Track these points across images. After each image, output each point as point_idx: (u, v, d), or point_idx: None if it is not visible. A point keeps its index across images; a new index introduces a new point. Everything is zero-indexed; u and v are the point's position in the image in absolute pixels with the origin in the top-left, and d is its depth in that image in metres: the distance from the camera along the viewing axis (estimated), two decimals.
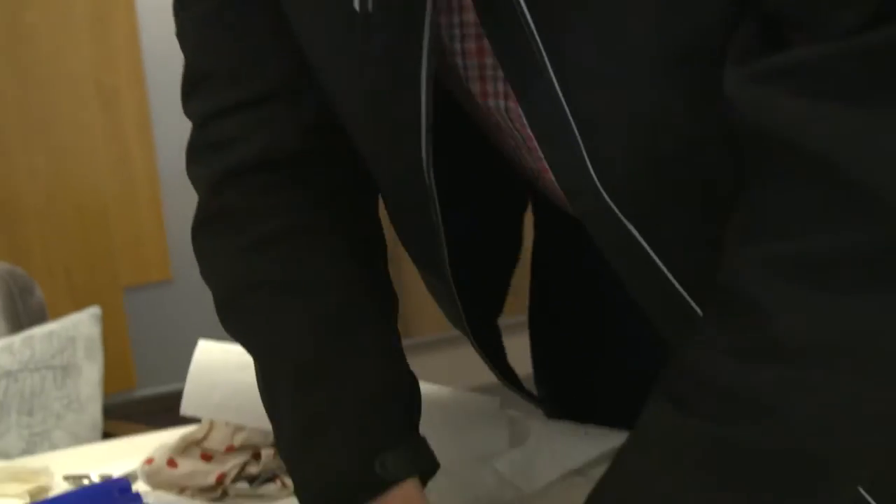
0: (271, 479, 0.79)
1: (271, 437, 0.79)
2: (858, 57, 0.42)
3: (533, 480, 0.76)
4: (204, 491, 0.78)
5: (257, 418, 0.77)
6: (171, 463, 0.78)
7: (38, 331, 1.50)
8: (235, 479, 0.78)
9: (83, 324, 1.51)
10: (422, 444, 0.61)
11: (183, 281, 2.55)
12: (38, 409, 1.42)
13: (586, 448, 0.79)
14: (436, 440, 0.80)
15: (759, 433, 0.46)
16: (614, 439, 0.80)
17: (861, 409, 0.46)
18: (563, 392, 0.87)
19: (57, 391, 1.45)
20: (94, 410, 1.50)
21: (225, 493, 0.78)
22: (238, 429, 0.79)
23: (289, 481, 0.78)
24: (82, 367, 1.48)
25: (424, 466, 0.60)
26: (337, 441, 0.57)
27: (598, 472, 0.76)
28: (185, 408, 0.79)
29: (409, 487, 0.58)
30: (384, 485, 0.57)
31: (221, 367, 0.79)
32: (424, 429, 0.80)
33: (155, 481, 0.78)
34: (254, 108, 0.61)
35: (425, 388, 0.83)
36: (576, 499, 0.79)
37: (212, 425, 0.80)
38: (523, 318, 0.86)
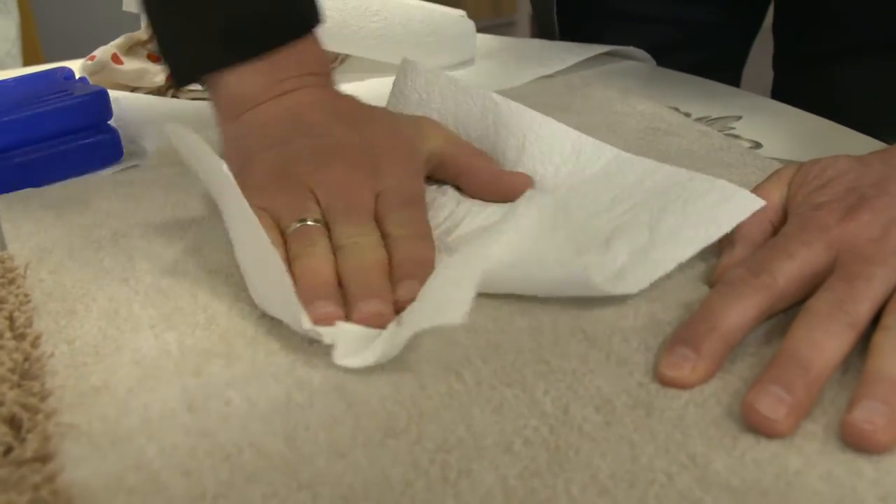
0: None
1: None
2: None
3: (506, 83, 0.73)
4: (153, 92, 0.73)
5: None
6: (116, 59, 0.73)
7: None
8: None
9: None
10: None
11: None
12: None
13: (563, 56, 0.77)
14: (399, 48, 0.75)
15: None
16: (591, 50, 0.78)
17: None
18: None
19: None
20: (14, 68, 1.40)
21: (176, 95, 0.74)
22: None
23: None
24: None
25: (322, 15, 0.56)
26: None
27: (572, 77, 0.75)
28: (127, 3, 0.72)
29: (314, 38, 0.55)
30: (302, 26, 0.54)
31: None
32: (388, 38, 0.76)
33: (98, 79, 0.72)
34: None
35: None
36: (552, 92, 0.77)
37: None
38: None
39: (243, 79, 0.52)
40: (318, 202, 0.46)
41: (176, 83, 0.56)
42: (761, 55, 0.90)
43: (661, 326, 0.38)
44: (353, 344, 0.37)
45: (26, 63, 1.51)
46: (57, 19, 2.31)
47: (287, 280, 0.38)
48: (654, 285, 0.41)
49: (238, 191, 0.41)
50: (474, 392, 0.35)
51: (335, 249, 0.43)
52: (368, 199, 0.46)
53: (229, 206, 0.43)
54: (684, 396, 0.34)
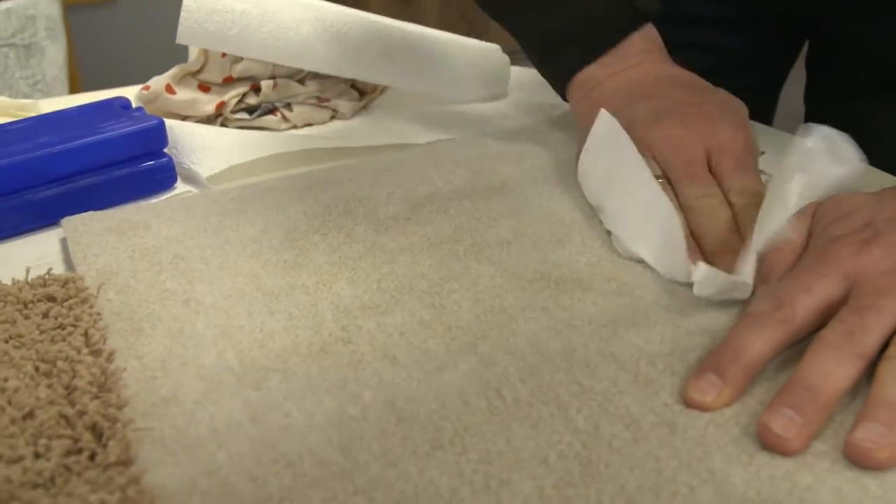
0: (271, 111, 0.78)
1: (270, 69, 0.78)
2: None
3: (538, 116, 0.76)
4: (203, 121, 0.77)
5: (255, 49, 0.76)
6: (169, 89, 0.77)
7: None
8: (235, 111, 0.77)
9: (42, 2, 1.43)
10: None
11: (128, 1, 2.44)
12: (4, 88, 1.38)
13: None
14: (437, 80, 0.79)
15: None
16: None
17: None
18: None
19: (21, 70, 1.40)
20: (61, 93, 1.46)
21: (224, 124, 0.77)
22: (235, 60, 0.78)
23: (289, 114, 0.78)
24: (45, 48, 1.42)
25: (658, 9, 0.64)
26: None
27: None
28: (181, 37, 0.76)
29: (650, 28, 0.63)
30: (638, 19, 0.61)
31: None
32: (426, 71, 0.79)
33: (152, 108, 0.76)
34: None
35: (426, 31, 0.81)
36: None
37: (207, 57, 0.78)
38: None
39: (589, 69, 0.62)
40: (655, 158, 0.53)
41: (554, 88, 0.66)
42: (797, 85, 0.92)
43: (686, 352, 0.41)
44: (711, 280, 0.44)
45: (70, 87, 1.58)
46: (95, 47, 2.37)
47: (681, 234, 0.46)
48: (680, 313, 0.44)
49: (641, 162, 0.51)
50: (513, 409, 0.38)
51: (683, 207, 0.50)
52: (700, 155, 0.52)
53: (629, 171, 0.52)
54: (706, 417, 0.37)
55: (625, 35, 0.61)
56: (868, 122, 0.78)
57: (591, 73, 0.62)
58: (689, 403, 0.38)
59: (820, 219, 0.46)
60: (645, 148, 0.54)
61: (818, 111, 0.86)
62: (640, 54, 0.62)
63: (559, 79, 0.64)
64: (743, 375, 0.38)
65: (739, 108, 0.57)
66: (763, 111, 0.91)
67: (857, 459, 0.34)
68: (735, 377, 0.38)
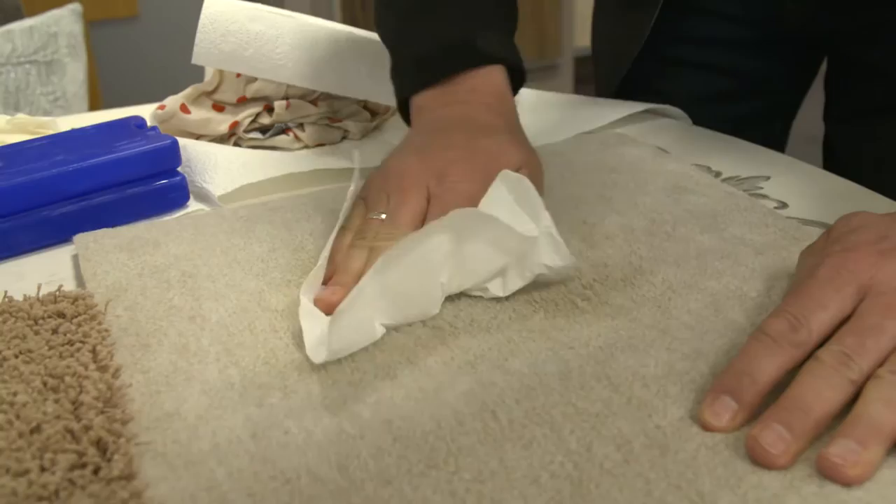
0: (284, 131, 0.79)
1: (283, 90, 0.79)
2: None
3: (546, 139, 0.77)
4: (216, 140, 0.78)
5: (269, 69, 0.77)
6: (184, 108, 0.78)
7: (17, 26, 1.45)
8: (248, 130, 0.79)
9: (64, 19, 1.46)
10: (514, 45, 0.67)
11: (149, 17, 2.47)
12: (25, 105, 1.40)
13: (602, 114, 0.80)
14: None
15: None
16: (630, 108, 0.81)
17: None
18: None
19: (42, 87, 1.43)
20: (81, 109, 1.48)
21: (238, 143, 0.79)
22: (249, 80, 0.79)
23: (301, 133, 0.79)
24: (66, 65, 1.45)
25: (515, 57, 0.65)
26: (444, 18, 0.66)
27: (608, 135, 0.78)
28: (196, 57, 0.77)
29: (497, 70, 0.65)
30: (479, 58, 0.64)
31: (232, 17, 0.77)
32: None
33: (167, 127, 0.78)
34: None
35: None
36: (587, 149, 0.80)
37: (222, 77, 0.79)
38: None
39: (423, 95, 0.65)
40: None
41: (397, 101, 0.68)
42: (812, 108, 0.93)
43: (679, 375, 0.42)
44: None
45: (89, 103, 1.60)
46: (116, 64, 2.40)
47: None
48: (675, 336, 0.45)
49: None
50: (507, 430, 0.39)
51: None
52: (417, 200, 0.54)
53: None
54: (697, 439, 0.37)
55: (455, 72, 0.63)
56: (887, 141, 0.79)
57: (424, 99, 0.65)
58: (702, 425, 0.38)
59: (829, 235, 0.46)
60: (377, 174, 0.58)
61: (837, 131, 0.87)
62: (468, 94, 0.63)
63: (398, 96, 0.67)
64: (758, 399, 0.39)
65: (509, 160, 0.57)
66: (778, 134, 0.92)
67: (828, 473, 0.35)
68: (751, 401, 0.38)
